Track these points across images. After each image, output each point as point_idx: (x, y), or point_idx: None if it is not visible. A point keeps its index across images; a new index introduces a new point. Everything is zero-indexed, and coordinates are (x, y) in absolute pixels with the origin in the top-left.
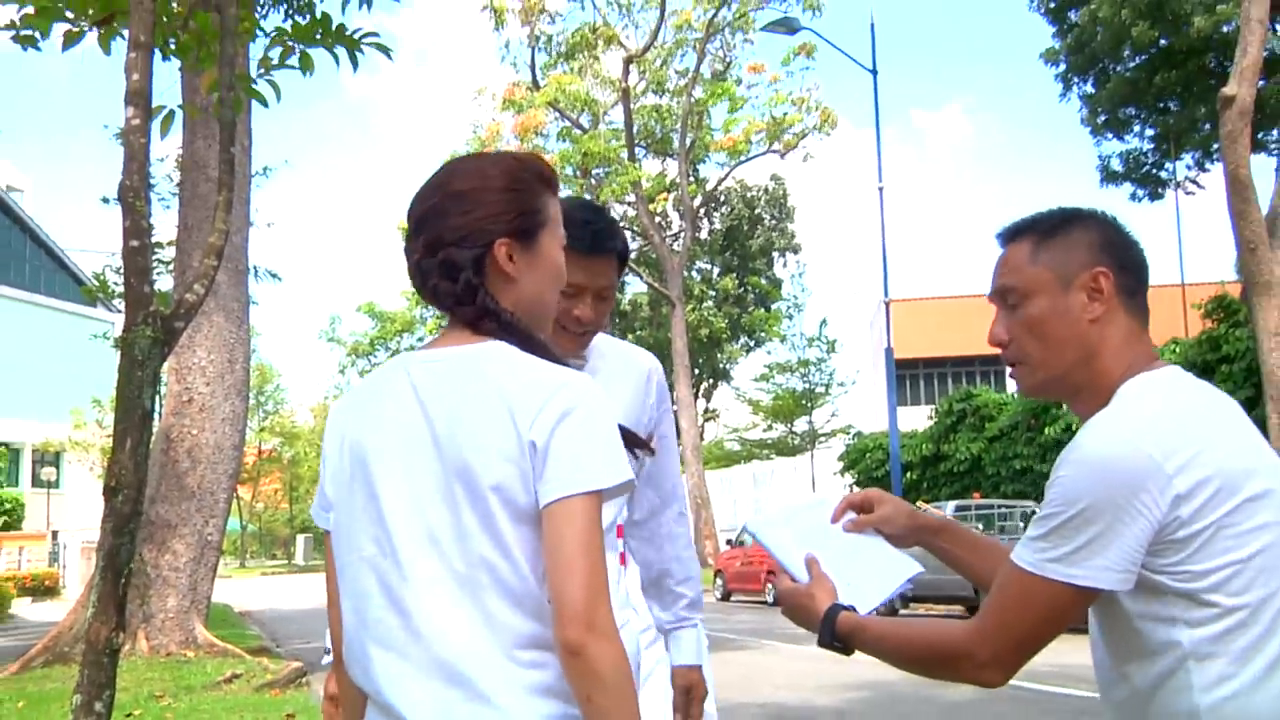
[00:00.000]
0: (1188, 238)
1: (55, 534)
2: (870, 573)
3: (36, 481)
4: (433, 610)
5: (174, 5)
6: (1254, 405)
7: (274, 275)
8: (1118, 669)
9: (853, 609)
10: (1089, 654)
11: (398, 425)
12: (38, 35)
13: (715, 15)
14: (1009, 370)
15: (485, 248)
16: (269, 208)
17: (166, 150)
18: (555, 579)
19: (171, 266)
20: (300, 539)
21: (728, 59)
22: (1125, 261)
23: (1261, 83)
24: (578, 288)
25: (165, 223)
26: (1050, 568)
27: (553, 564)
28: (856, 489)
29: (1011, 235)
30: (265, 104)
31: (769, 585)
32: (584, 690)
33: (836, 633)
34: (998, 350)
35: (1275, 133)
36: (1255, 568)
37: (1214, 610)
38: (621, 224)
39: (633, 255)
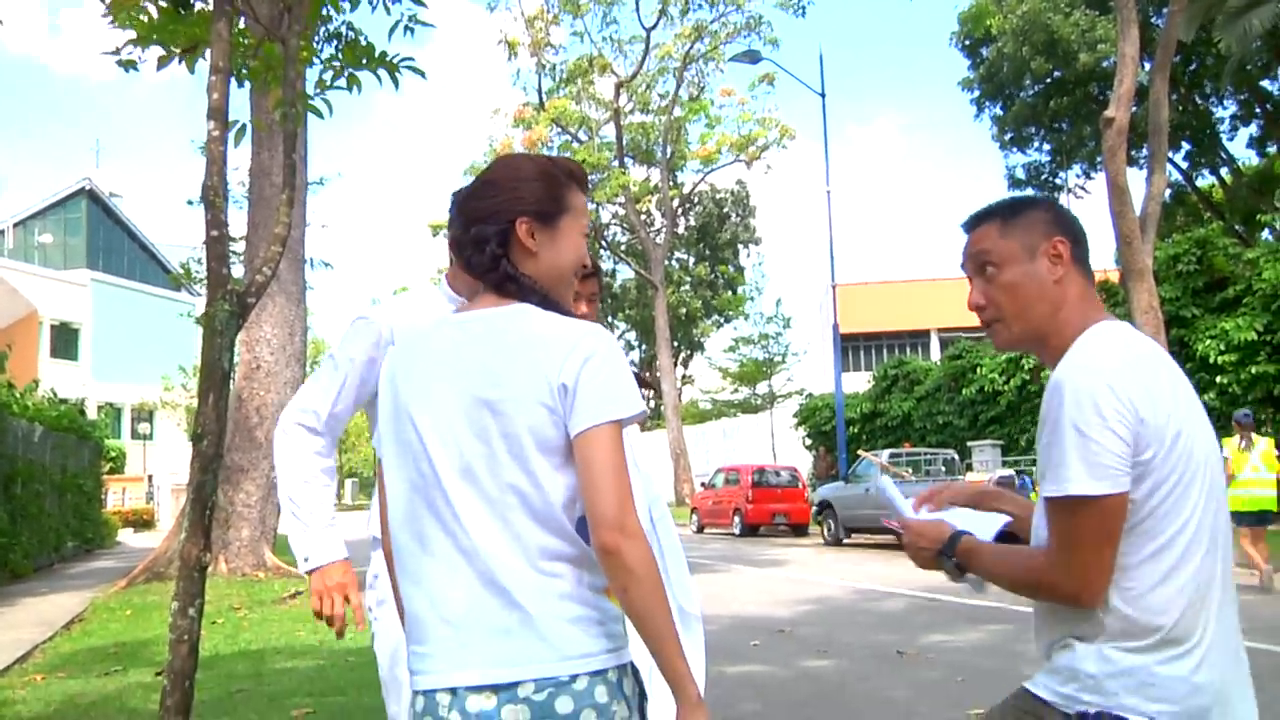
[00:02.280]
0: None
1: (150, 477)
2: (971, 523)
3: (135, 434)
4: (474, 530)
5: (243, 40)
6: None
7: (326, 264)
8: None
9: (971, 534)
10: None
11: (435, 375)
12: (138, 58)
13: (691, 48)
14: (986, 329)
15: (509, 224)
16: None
17: (237, 161)
18: (589, 494)
19: (243, 257)
20: (349, 482)
21: (702, 84)
22: (1075, 234)
23: (1134, 108)
24: (577, 294)
25: (237, 222)
26: (1076, 486)
27: (586, 482)
28: (809, 440)
29: (979, 220)
30: (321, 116)
31: (735, 520)
32: (620, 583)
33: (958, 551)
34: (935, 327)
35: (1145, 149)
36: (1182, 487)
37: (1138, 519)
38: (613, 221)
39: (621, 247)
